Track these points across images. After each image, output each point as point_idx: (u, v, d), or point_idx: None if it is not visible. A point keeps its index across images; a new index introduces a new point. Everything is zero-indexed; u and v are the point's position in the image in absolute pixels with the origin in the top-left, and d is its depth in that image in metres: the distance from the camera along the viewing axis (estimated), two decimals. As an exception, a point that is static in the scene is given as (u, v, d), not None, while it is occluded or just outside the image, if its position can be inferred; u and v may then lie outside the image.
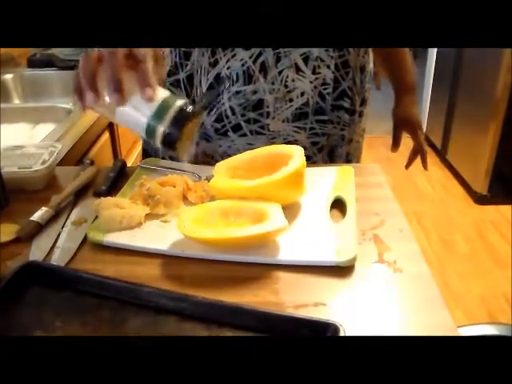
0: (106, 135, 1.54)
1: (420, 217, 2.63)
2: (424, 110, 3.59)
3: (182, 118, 0.58)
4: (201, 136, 0.92)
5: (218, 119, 0.89)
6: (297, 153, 0.72)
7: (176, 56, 0.90)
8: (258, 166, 0.74)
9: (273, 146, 0.78)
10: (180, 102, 0.59)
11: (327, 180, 0.80)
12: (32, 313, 0.53)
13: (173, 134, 0.58)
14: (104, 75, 0.56)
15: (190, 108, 0.59)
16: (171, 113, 0.58)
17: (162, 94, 0.59)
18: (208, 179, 0.78)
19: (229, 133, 0.90)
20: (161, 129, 0.58)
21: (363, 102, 0.97)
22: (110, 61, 0.56)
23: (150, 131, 0.59)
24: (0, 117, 1.37)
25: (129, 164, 0.99)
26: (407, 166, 1.12)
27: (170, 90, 0.86)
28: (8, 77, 1.77)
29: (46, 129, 1.35)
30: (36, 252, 0.66)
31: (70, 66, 1.79)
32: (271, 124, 0.89)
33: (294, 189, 0.72)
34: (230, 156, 0.86)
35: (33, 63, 1.84)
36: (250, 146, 0.90)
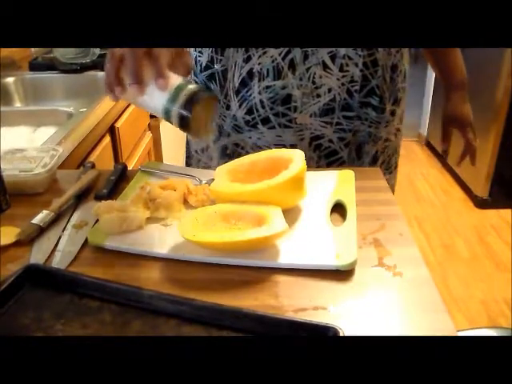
0: (107, 139, 1.54)
1: (421, 221, 2.63)
2: (425, 113, 3.60)
3: (192, 100, 0.65)
4: (232, 127, 0.95)
5: (249, 112, 0.92)
6: (297, 156, 0.72)
7: (212, 51, 0.93)
8: (259, 169, 0.74)
9: (273, 149, 0.78)
10: (192, 86, 0.67)
11: (327, 184, 0.80)
12: (33, 316, 0.53)
13: (185, 113, 0.65)
14: (126, 71, 0.66)
15: (202, 92, 0.67)
16: (183, 95, 0.65)
17: (176, 80, 0.67)
18: (209, 183, 0.78)
19: (258, 125, 0.93)
20: (175, 110, 0.66)
21: (396, 101, 0.97)
22: (131, 59, 0.64)
23: (167, 112, 0.67)
24: (1, 120, 1.37)
25: (130, 167, 0.99)
26: (459, 162, 1.17)
27: (205, 84, 0.95)
28: (9, 80, 1.77)
29: (47, 132, 1.35)
30: (37, 255, 0.66)
31: (72, 69, 1.79)
32: (298, 118, 0.91)
33: (294, 192, 0.72)
34: (259, 147, 0.93)
35: (34, 66, 1.84)
36: (279, 139, 0.93)
